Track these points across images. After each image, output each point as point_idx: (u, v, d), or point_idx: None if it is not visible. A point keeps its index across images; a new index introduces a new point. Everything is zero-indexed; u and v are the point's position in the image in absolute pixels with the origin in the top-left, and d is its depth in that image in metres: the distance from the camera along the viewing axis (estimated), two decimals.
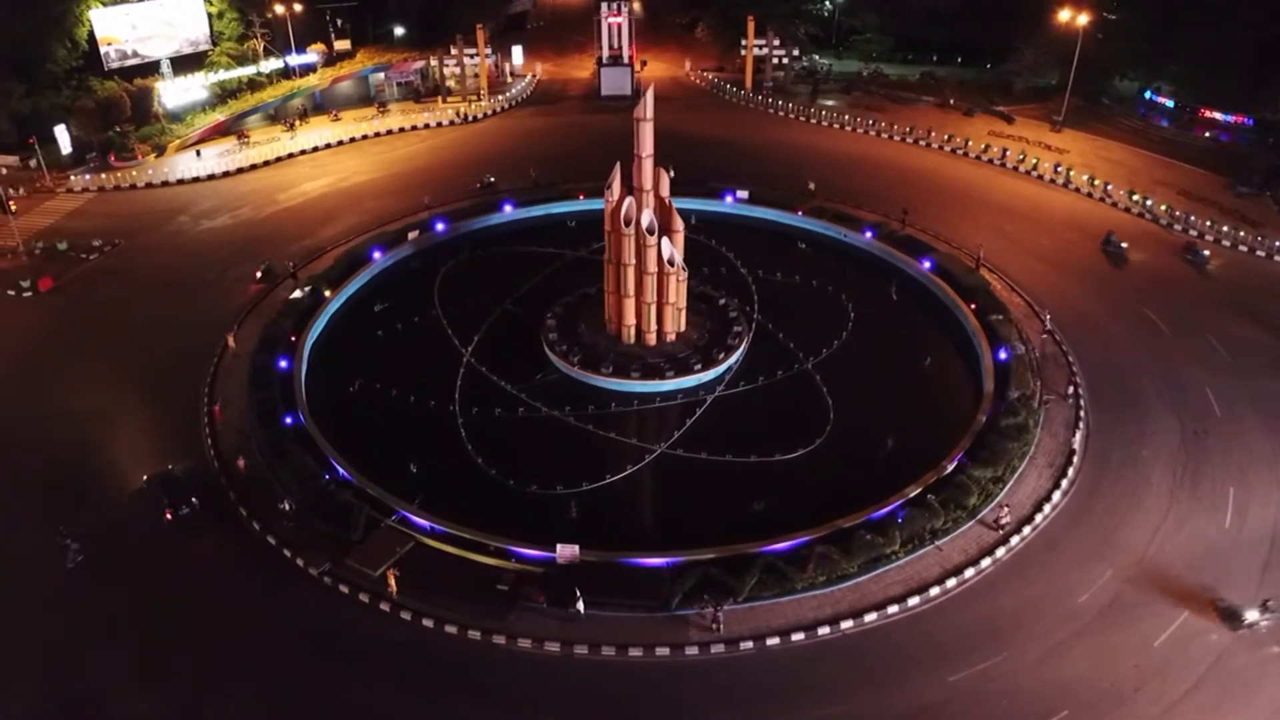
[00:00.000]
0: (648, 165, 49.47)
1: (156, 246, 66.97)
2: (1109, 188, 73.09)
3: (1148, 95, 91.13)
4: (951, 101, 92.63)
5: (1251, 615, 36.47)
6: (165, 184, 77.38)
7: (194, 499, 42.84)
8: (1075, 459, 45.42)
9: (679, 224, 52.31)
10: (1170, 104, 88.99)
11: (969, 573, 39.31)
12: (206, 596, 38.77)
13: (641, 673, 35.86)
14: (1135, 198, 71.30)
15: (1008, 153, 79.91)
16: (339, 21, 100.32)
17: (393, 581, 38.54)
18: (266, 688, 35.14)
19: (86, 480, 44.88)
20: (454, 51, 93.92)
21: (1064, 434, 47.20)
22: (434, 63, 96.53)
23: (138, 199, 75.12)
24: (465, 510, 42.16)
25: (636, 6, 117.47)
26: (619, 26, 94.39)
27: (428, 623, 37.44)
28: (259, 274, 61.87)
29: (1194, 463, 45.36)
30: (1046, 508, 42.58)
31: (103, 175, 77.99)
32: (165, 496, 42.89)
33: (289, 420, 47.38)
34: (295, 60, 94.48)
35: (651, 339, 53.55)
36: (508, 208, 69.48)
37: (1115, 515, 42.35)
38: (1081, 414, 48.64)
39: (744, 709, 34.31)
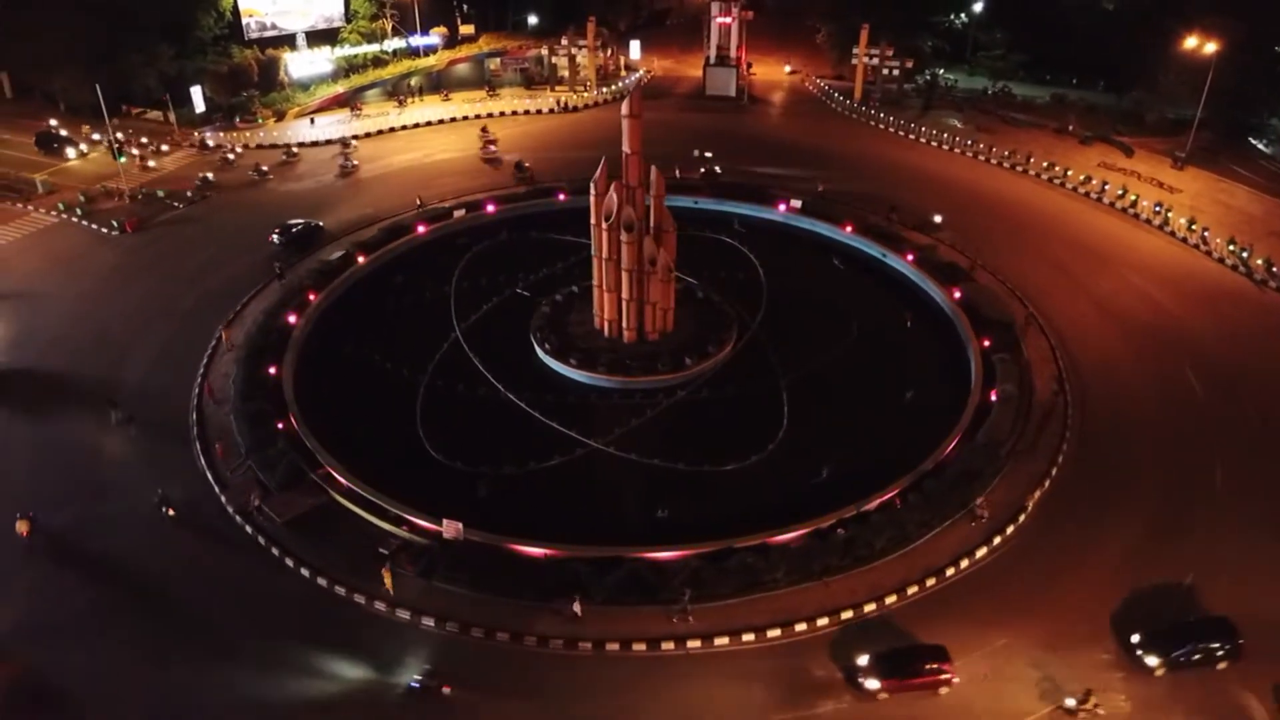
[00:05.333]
0: (634, 163, 49.37)
1: (238, 202, 72.62)
2: (1206, 234, 65.87)
3: None
4: (1070, 128, 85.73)
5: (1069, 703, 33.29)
6: (274, 146, 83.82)
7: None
8: (1022, 516, 41.79)
9: (670, 225, 51.94)
10: None
11: (846, 614, 37.13)
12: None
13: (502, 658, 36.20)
14: (1232, 248, 63.90)
15: (1106, 186, 73.44)
16: (464, 6, 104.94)
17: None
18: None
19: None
20: (564, 43, 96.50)
21: (1025, 488, 43.43)
22: (544, 52, 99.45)
23: (246, 157, 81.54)
24: (389, 475, 43.90)
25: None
26: (728, 28, 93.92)
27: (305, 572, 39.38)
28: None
29: (1163, 540, 40.74)
30: (965, 562, 39.48)
31: (222, 134, 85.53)
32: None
33: (271, 370, 50.77)
34: (418, 41, 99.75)
35: (631, 335, 53.40)
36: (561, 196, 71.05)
37: (1042, 583, 38.60)
38: (1054, 470, 44.65)
39: (549, 708, 34.06)
